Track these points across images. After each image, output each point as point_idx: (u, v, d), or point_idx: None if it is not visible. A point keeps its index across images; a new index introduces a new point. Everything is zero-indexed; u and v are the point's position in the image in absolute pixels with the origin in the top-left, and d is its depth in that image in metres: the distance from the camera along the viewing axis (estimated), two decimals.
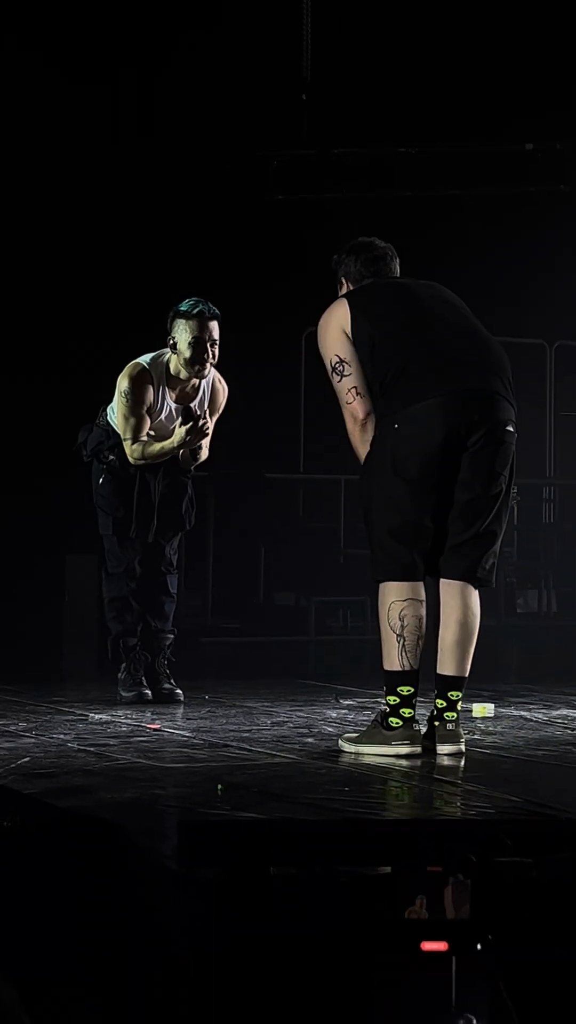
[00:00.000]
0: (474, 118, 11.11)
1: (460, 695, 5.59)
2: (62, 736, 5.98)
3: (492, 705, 6.77)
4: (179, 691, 7.15)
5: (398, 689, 5.53)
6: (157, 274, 10.92)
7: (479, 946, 1.21)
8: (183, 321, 6.99)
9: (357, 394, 5.58)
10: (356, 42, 10.89)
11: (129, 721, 6.45)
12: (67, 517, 10.14)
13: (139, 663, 7.16)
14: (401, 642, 5.50)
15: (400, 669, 5.51)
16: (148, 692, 7.08)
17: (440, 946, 1.21)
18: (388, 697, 5.55)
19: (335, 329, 5.63)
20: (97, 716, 6.57)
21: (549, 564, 12.10)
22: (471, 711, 6.66)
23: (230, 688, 7.64)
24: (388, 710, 5.56)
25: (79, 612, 9.41)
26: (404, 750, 5.49)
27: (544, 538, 12.28)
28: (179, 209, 10.95)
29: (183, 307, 7.03)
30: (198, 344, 6.95)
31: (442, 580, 5.65)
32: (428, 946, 1.19)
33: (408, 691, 5.52)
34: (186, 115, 10.83)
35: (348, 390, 5.59)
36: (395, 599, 5.52)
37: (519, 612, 11.90)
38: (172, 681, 7.19)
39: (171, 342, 7.02)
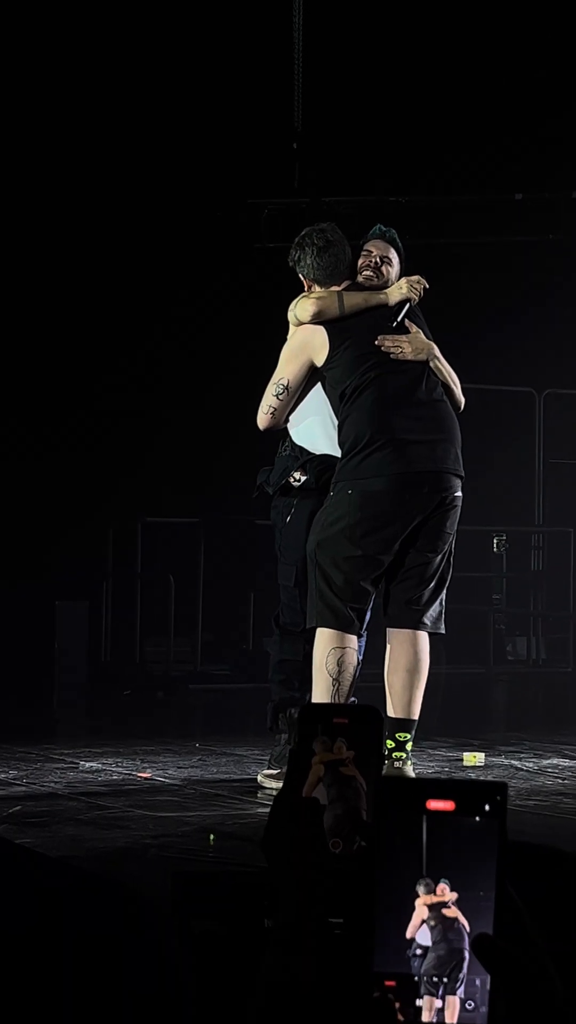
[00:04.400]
0: (464, 168, 11.18)
1: (409, 736, 5.77)
2: (53, 784, 5.96)
3: (483, 754, 6.76)
4: None
5: None
6: (146, 321, 10.96)
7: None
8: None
9: (271, 413, 6.06)
10: (347, 93, 10.97)
11: (120, 769, 6.43)
12: (57, 563, 10.15)
13: None
14: (336, 685, 5.69)
15: None
16: None
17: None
18: None
19: (304, 355, 5.98)
20: (88, 764, 6.55)
21: (538, 611, 12.11)
22: (462, 760, 6.66)
23: (220, 735, 7.62)
24: None
25: (69, 659, 9.40)
26: None
27: (533, 585, 12.30)
28: (171, 257, 11.00)
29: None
30: (369, 255, 6.26)
31: (391, 629, 5.87)
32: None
33: None
34: (179, 163, 10.89)
35: (270, 407, 6.05)
36: (335, 645, 5.73)
37: (509, 659, 11.90)
38: None
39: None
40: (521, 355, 11.96)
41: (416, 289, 6.01)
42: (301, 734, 1.37)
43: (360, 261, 6.16)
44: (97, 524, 10.71)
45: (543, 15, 11.02)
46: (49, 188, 10.59)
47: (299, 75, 10.69)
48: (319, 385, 6.05)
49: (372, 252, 6.18)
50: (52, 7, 10.46)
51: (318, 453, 6.08)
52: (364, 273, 6.15)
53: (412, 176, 11.08)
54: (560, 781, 6.20)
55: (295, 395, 6.02)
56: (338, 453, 6.01)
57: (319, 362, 5.93)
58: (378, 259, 6.15)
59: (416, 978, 1.26)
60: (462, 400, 6.04)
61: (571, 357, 12.00)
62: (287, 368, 6.01)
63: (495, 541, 11.94)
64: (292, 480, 6.10)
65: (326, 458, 6.05)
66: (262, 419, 6.10)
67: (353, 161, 11.02)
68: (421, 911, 1.26)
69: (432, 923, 1.25)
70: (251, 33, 10.74)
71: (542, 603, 12.18)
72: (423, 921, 1.26)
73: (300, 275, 6.12)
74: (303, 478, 6.07)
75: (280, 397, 6.02)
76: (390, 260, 6.18)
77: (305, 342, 5.96)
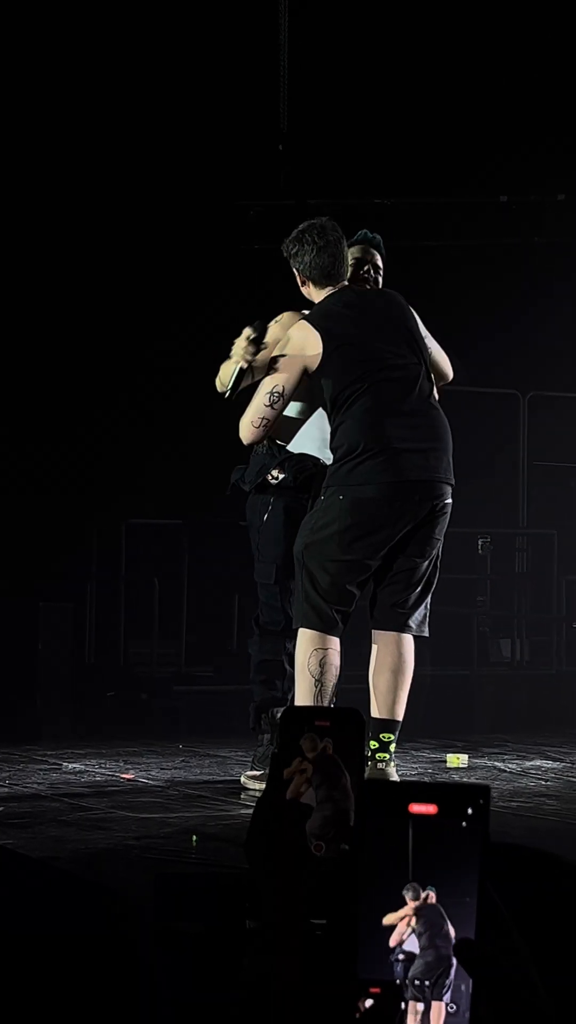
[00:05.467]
0: (449, 170, 11.19)
1: (392, 737, 5.77)
2: (36, 785, 5.95)
3: (466, 756, 6.76)
4: None
5: None
6: (129, 321, 10.95)
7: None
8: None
9: (262, 425, 5.82)
10: (332, 94, 10.97)
11: (103, 771, 6.42)
12: (41, 564, 10.13)
13: None
14: (318, 687, 5.69)
15: None
16: None
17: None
18: None
19: (299, 361, 5.81)
20: (71, 765, 6.54)
21: (522, 613, 12.11)
22: (445, 761, 6.66)
23: (203, 737, 7.62)
24: None
25: (52, 660, 9.39)
26: None
27: (517, 587, 12.30)
28: (156, 258, 10.99)
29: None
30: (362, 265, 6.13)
31: (376, 631, 5.87)
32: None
33: None
34: (165, 165, 10.88)
35: (262, 418, 5.81)
36: (317, 646, 5.73)
37: (492, 661, 11.90)
38: None
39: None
40: (506, 357, 11.97)
41: (245, 350, 5.78)
42: (283, 737, 1.36)
43: (352, 271, 6.11)
44: (81, 525, 10.69)
45: (531, 16, 11.03)
46: (29, 192, 10.57)
47: (285, 77, 10.69)
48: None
49: (365, 260, 6.16)
50: (35, 7, 10.45)
51: (296, 451, 6.08)
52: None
53: (398, 178, 11.08)
54: (543, 783, 6.21)
55: (288, 404, 5.84)
56: (322, 455, 5.99)
57: (312, 366, 5.80)
58: (371, 268, 6.15)
59: (398, 982, 1.26)
60: (449, 373, 6.03)
61: (556, 359, 12.01)
62: (280, 377, 5.80)
63: (479, 543, 11.93)
64: (270, 478, 6.12)
65: (304, 456, 6.06)
66: (250, 432, 5.84)
67: (339, 163, 11.01)
68: (411, 912, 1.26)
69: (420, 929, 1.25)
70: (236, 35, 10.74)
71: (526, 605, 12.18)
72: (411, 926, 1.25)
73: (294, 269, 6.01)
74: (281, 476, 6.10)
75: (275, 406, 5.79)
76: (380, 268, 6.17)
77: (300, 346, 5.82)
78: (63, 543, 10.50)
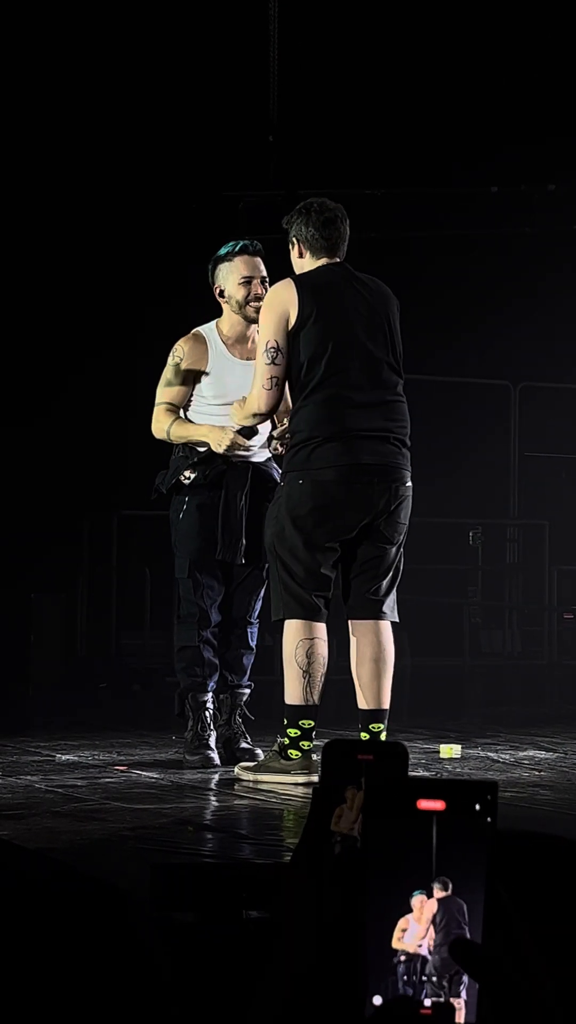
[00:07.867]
0: (440, 161, 11.19)
1: (382, 727, 5.77)
2: (29, 777, 5.95)
3: (459, 746, 6.76)
4: (258, 751, 6.29)
5: (300, 722, 5.75)
6: (121, 312, 10.95)
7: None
8: (227, 264, 6.37)
9: (274, 385, 5.79)
10: (323, 85, 10.96)
11: (97, 762, 6.42)
12: (33, 556, 10.13)
13: (207, 723, 6.37)
14: (307, 678, 5.71)
15: (303, 703, 5.75)
16: (215, 756, 6.28)
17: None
18: (289, 730, 5.77)
19: (281, 313, 5.77)
20: (64, 757, 6.54)
21: (513, 604, 12.14)
22: (438, 752, 6.67)
23: None
24: (288, 742, 5.77)
25: (45, 652, 9.39)
26: (301, 779, 5.67)
27: (508, 578, 12.32)
28: (146, 249, 10.99)
29: (223, 251, 6.39)
30: (250, 282, 6.34)
31: (353, 621, 5.86)
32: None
33: (309, 724, 5.76)
34: (155, 156, 10.87)
35: (270, 377, 5.78)
36: (302, 637, 5.73)
37: (484, 652, 11.92)
38: (248, 740, 6.45)
39: (218, 291, 6.42)
40: (497, 348, 11.98)
41: (229, 445, 6.20)
42: (325, 771, 1.33)
43: (241, 292, 6.27)
44: (72, 517, 10.70)
45: (522, 7, 11.03)
46: (17, 181, 10.56)
47: (275, 67, 10.68)
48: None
49: (253, 279, 6.28)
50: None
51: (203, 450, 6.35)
52: (252, 305, 6.26)
53: (388, 168, 11.08)
54: (536, 773, 6.21)
55: (287, 356, 5.76)
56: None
57: (292, 321, 5.72)
58: (260, 286, 6.27)
59: (401, 984, 1.24)
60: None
61: (547, 350, 12.03)
62: (269, 331, 5.75)
63: (470, 534, 11.95)
64: (183, 478, 6.39)
65: (213, 455, 6.30)
66: (262, 397, 5.80)
67: (329, 153, 11.01)
68: (432, 907, 1.25)
69: (438, 923, 1.24)
70: (227, 25, 10.72)
71: (517, 596, 12.20)
72: (432, 924, 1.24)
73: (292, 238, 5.92)
74: (192, 475, 6.37)
75: (276, 362, 5.75)
76: (267, 280, 6.29)
77: (281, 300, 5.75)
78: (55, 534, 10.51)
